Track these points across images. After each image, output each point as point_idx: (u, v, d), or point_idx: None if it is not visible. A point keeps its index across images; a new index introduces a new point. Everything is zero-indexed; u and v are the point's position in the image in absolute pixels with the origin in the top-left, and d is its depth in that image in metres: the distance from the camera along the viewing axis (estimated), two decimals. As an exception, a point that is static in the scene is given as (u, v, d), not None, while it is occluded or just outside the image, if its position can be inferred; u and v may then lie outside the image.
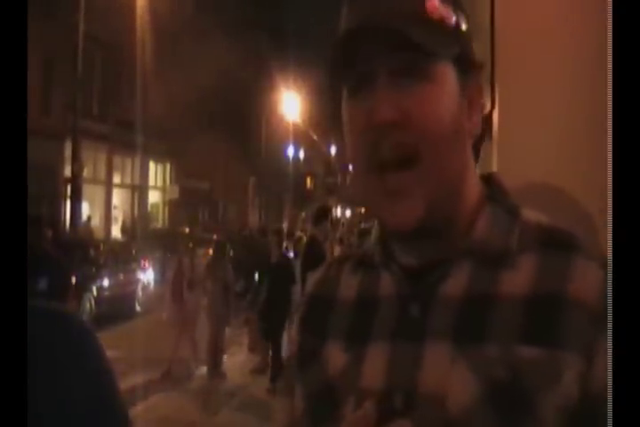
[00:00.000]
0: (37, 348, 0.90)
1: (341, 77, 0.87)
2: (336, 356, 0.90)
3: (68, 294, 5.34)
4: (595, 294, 0.79)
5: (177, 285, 8.42)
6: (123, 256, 14.12)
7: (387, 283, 0.90)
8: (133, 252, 15.23)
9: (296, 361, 0.96)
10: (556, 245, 0.85)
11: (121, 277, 13.26)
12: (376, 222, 0.95)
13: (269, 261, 8.33)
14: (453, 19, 0.85)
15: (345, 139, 0.88)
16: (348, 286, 0.95)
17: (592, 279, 0.80)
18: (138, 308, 13.44)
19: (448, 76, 0.85)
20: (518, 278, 0.83)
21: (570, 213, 1.11)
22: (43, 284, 4.83)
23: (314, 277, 1.02)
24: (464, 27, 0.87)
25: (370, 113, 0.83)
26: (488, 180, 0.92)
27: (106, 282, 12.45)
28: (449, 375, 0.81)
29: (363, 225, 34.18)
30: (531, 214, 0.90)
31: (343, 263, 0.98)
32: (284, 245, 9.32)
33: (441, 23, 0.84)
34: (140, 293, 13.91)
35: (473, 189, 0.89)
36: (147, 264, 15.24)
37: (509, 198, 0.91)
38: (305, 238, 9.48)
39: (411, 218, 0.83)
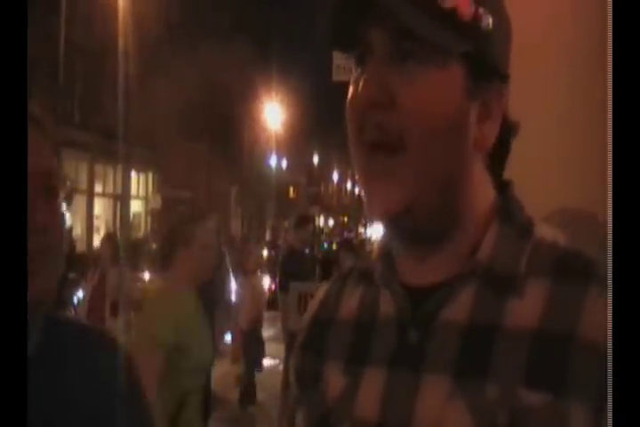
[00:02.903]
0: (70, 361, 1.01)
1: (343, 47, 0.82)
2: (336, 378, 0.85)
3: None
4: (607, 336, 0.68)
5: (96, 308, 6.01)
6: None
7: (387, 301, 0.85)
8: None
9: (297, 382, 0.92)
10: (571, 272, 0.76)
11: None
12: (381, 236, 0.90)
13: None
14: (471, 11, 0.77)
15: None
16: (350, 301, 0.90)
17: (605, 319, 0.69)
18: None
19: (451, 71, 0.78)
20: (525, 309, 0.75)
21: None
22: None
23: (316, 298, 0.97)
24: (486, 24, 0.78)
25: (357, 89, 0.78)
26: (502, 189, 0.84)
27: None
28: (444, 414, 0.74)
29: (346, 235, 34.19)
30: (546, 232, 0.81)
31: (347, 277, 0.94)
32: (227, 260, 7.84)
33: (453, 14, 0.76)
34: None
35: (482, 200, 0.82)
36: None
37: (523, 213, 0.83)
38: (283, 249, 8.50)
39: (386, 206, 0.77)
